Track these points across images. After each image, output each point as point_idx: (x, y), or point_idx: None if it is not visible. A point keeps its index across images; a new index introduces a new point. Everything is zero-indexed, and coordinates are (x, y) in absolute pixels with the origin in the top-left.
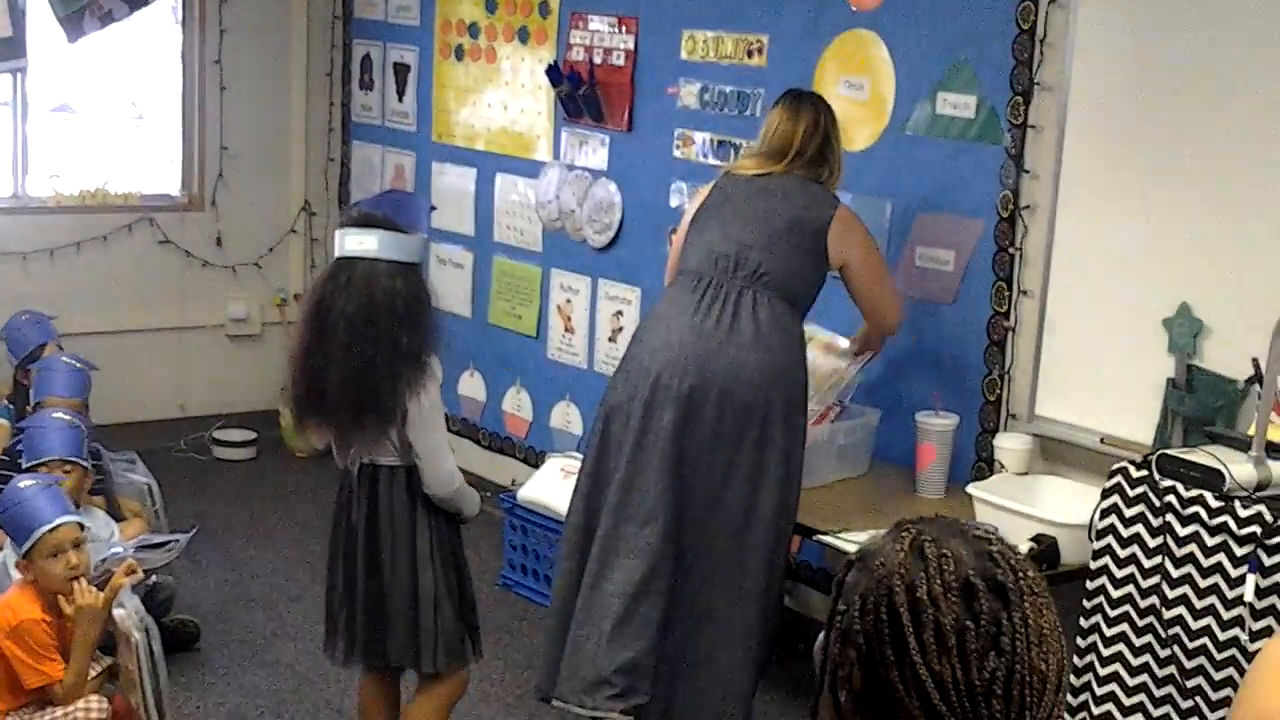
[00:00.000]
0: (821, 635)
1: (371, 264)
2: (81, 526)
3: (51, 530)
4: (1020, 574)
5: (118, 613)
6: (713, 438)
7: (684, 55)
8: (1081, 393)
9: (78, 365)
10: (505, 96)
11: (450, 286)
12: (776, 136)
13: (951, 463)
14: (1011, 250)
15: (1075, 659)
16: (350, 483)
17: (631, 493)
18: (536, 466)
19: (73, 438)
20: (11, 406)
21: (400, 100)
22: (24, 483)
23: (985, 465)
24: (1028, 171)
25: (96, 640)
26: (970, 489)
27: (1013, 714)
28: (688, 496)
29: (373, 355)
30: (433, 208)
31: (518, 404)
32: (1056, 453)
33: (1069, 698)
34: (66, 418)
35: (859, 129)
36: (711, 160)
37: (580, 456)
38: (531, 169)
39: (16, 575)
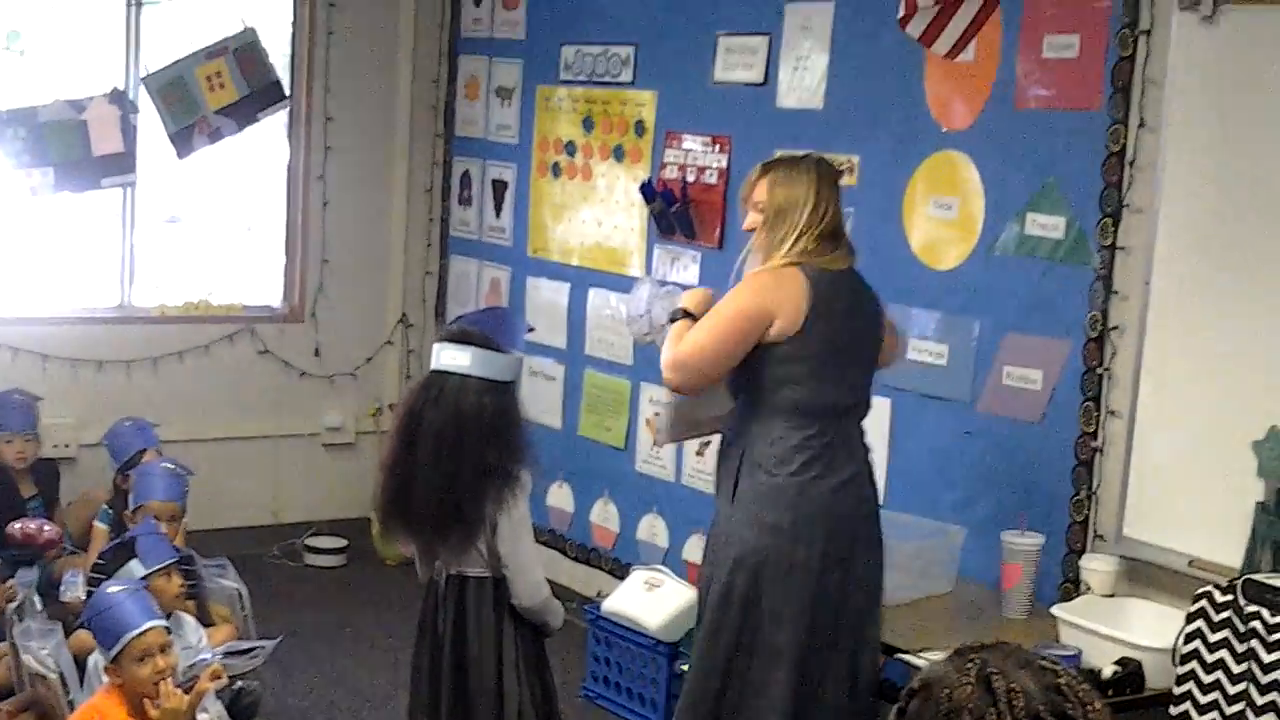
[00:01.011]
0: None
1: (463, 380)
2: (168, 630)
3: (140, 635)
4: (1088, 708)
5: (201, 718)
6: (866, 597)
7: None
8: (1170, 515)
9: (176, 470)
10: (600, 213)
11: (541, 398)
12: (833, 218)
13: (1037, 583)
14: (1100, 370)
15: None
16: (437, 593)
17: (812, 671)
18: (622, 578)
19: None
20: (111, 511)
21: (498, 216)
22: (112, 588)
23: (1071, 586)
24: (1116, 293)
25: None
26: (1055, 610)
27: None
28: (851, 660)
29: (458, 470)
30: (530, 329)
31: (605, 515)
32: (1144, 575)
33: None
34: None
35: (948, 249)
36: None
37: (663, 569)
38: (624, 284)
39: (105, 679)
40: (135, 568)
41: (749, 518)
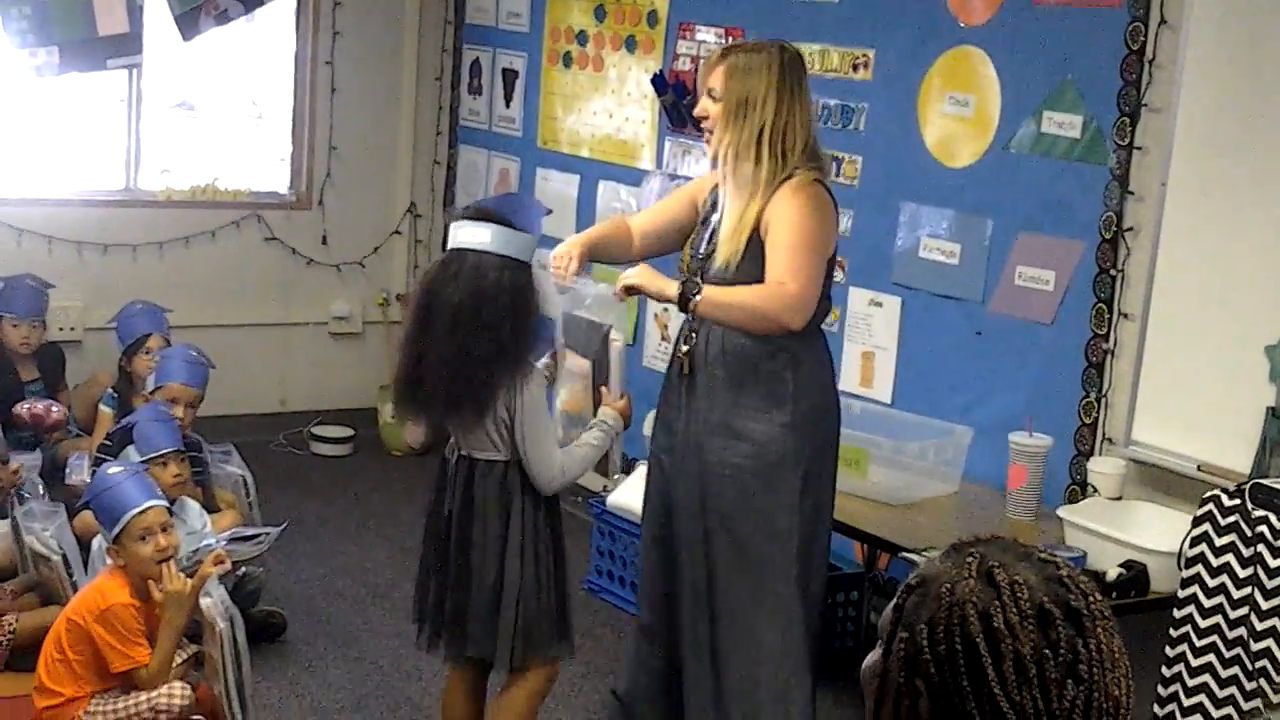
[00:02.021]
0: (870, 659)
1: (481, 256)
2: (170, 512)
3: (140, 513)
4: (1090, 598)
5: (204, 601)
6: None
7: None
8: (1180, 418)
9: (200, 359)
10: (610, 104)
11: (550, 291)
12: (803, 113)
13: (1043, 484)
14: (1113, 272)
15: (1160, 688)
16: (447, 473)
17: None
18: (628, 473)
19: (175, 430)
20: (116, 394)
21: (507, 106)
22: (112, 469)
23: (1078, 488)
24: (1132, 193)
25: (182, 627)
26: (1060, 511)
27: None
28: None
29: (472, 345)
30: (548, 211)
31: None
32: (1152, 478)
33: None
34: (166, 410)
35: (963, 146)
36: None
37: None
38: (634, 177)
39: (109, 561)
40: (132, 454)
41: (808, 433)
